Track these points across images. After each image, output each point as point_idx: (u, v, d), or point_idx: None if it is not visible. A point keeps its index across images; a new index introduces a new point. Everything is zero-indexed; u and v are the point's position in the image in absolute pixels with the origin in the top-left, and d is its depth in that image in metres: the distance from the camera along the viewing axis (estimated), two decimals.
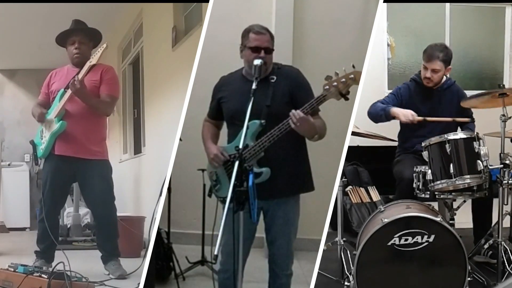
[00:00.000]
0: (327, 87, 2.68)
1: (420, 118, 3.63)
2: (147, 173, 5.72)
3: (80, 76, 3.86)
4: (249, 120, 2.68)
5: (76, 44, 4.06)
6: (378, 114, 3.71)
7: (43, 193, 4.00)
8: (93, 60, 3.89)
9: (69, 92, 3.91)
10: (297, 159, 2.91)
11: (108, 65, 4.12)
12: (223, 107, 2.97)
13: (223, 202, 2.87)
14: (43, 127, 4.07)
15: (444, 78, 3.84)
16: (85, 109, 3.96)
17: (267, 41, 2.87)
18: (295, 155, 2.90)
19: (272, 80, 2.86)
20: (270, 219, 2.91)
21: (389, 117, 3.68)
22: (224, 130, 3.07)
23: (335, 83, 2.67)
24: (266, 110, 2.78)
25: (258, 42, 2.85)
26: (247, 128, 2.62)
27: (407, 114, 3.63)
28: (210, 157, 2.91)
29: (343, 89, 2.68)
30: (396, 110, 3.66)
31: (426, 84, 3.76)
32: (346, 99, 2.72)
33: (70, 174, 4.06)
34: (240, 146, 2.46)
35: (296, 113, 2.67)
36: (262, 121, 2.76)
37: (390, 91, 3.99)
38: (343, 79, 2.66)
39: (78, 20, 4.16)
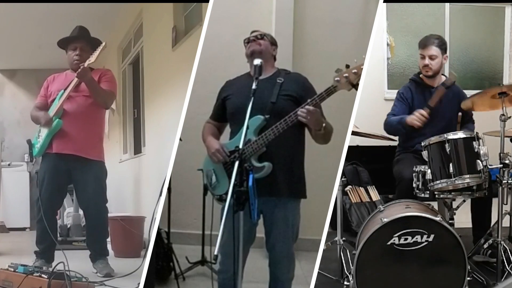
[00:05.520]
0: (338, 78, 2.68)
1: (424, 112, 3.61)
2: (147, 173, 5.72)
3: (85, 64, 3.90)
4: (253, 115, 2.69)
5: (78, 51, 4.12)
6: (396, 128, 3.73)
7: (40, 192, 4.03)
8: (92, 58, 3.92)
9: (67, 91, 3.96)
10: (295, 162, 2.90)
11: (107, 69, 4.17)
12: (227, 105, 2.98)
13: (220, 200, 2.89)
14: (41, 127, 4.10)
15: (443, 78, 3.85)
16: (83, 108, 4.02)
17: (259, 33, 3.00)
18: (294, 157, 2.89)
19: (280, 81, 2.89)
20: (270, 222, 2.89)
21: (406, 127, 3.67)
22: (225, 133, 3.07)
23: (346, 74, 2.67)
24: (270, 107, 2.81)
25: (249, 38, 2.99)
26: (250, 124, 2.62)
27: (418, 117, 3.60)
28: (211, 151, 2.89)
29: (355, 80, 2.68)
30: (409, 119, 3.64)
31: (425, 73, 3.77)
32: (357, 89, 2.73)
33: (67, 173, 4.08)
34: (240, 146, 2.46)
35: (305, 109, 2.68)
36: (266, 116, 2.78)
37: (390, 90, 3.99)
38: (355, 70, 2.66)
39: (82, 27, 4.21)
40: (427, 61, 3.73)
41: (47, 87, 4.21)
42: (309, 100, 2.72)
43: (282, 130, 2.73)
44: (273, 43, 3.05)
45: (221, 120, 3.05)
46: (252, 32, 3.05)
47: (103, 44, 3.94)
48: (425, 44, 3.74)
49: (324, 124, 2.78)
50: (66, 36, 4.16)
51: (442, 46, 3.74)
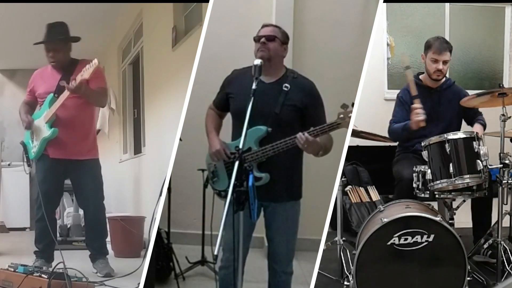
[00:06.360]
0: (342, 116, 2.66)
1: (417, 104, 3.53)
2: (147, 173, 5.72)
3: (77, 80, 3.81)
4: (256, 124, 2.72)
5: (51, 53, 4.10)
6: (401, 135, 3.69)
7: (39, 192, 4.04)
8: (85, 74, 3.80)
9: (60, 99, 3.94)
10: (294, 166, 2.92)
11: (90, 59, 3.97)
12: (231, 103, 2.97)
13: (219, 195, 2.93)
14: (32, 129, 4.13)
15: (444, 78, 3.84)
16: (73, 111, 4.03)
17: (270, 31, 2.88)
18: (293, 163, 2.91)
19: (286, 89, 2.84)
20: (271, 216, 2.92)
21: (411, 132, 3.59)
22: (227, 122, 3.07)
23: (351, 115, 2.65)
24: (274, 118, 2.80)
25: (260, 33, 2.89)
26: (251, 133, 2.64)
27: (416, 114, 3.51)
28: (212, 151, 2.91)
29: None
30: (413, 123, 3.54)
31: (436, 77, 3.74)
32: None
33: (63, 173, 4.14)
34: (240, 146, 2.46)
35: (304, 137, 2.67)
36: (269, 128, 2.78)
37: (390, 90, 3.98)
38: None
39: (50, 25, 4.11)
40: (441, 66, 3.70)
41: (33, 86, 4.20)
42: (312, 128, 2.69)
43: (282, 151, 2.74)
44: (284, 41, 2.93)
45: (224, 110, 3.05)
46: (263, 26, 2.94)
47: (96, 62, 3.77)
48: (440, 49, 3.69)
49: (321, 152, 2.79)
50: (34, 43, 4.11)
51: (451, 50, 3.74)
